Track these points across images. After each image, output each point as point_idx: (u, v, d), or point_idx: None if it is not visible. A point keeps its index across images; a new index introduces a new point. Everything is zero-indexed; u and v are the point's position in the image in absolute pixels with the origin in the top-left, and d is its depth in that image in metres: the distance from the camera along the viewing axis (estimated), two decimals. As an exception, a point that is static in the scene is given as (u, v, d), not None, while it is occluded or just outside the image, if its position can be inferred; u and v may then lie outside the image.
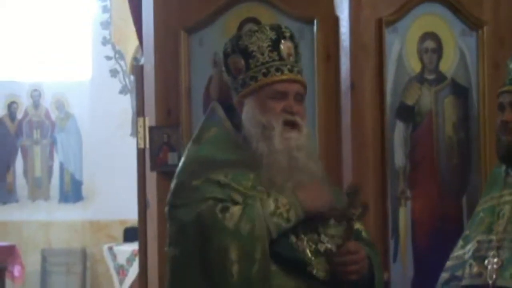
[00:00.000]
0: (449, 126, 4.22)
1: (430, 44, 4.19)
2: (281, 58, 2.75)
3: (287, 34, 2.79)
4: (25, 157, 9.93)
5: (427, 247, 4.09)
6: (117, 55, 9.68)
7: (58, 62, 9.79)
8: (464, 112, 4.26)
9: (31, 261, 9.44)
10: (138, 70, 4.47)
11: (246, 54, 2.75)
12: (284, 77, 2.74)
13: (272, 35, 2.76)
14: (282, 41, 2.76)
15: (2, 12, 9.82)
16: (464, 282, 3.15)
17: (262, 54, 2.74)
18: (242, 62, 2.76)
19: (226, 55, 2.82)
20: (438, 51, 4.20)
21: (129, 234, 8.66)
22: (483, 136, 4.24)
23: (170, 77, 4.21)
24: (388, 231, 3.99)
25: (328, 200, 2.71)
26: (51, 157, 9.89)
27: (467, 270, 3.15)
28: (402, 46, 4.12)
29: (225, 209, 2.62)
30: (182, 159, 2.84)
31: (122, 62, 9.68)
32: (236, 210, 2.61)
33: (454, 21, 4.22)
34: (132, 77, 9.31)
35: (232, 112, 2.84)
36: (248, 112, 2.75)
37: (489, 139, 4.22)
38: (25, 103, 9.93)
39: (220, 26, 4.15)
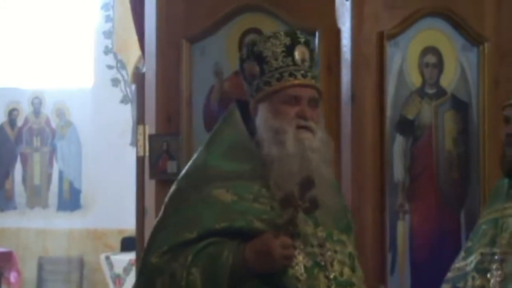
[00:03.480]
0: (448, 141, 4.23)
1: (431, 58, 4.20)
2: (295, 64, 2.74)
3: (302, 40, 2.78)
4: (24, 164, 9.93)
5: (425, 260, 4.09)
6: (118, 65, 9.68)
7: (60, 70, 9.81)
8: (464, 127, 4.26)
9: (27, 269, 9.43)
10: (139, 78, 4.48)
11: (261, 59, 2.75)
12: (297, 81, 2.72)
13: (287, 40, 2.76)
14: (297, 46, 2.76)
15: (5, 19, 9.85)
16: None
17: (276, 59, 2.74)
18: (257, 67, 2.75)
19: (242, 61, 2.82)
20: (439, 65, 4.22)
21: (127, 244, 8.65)
22: (482, 151, 4.25)
23: (171, 85, 4.22)
24: (386, 243, 3.99)
25: (279, 258, 2.56)
26: (50, 164, 9.88)
27: (469, 283, 3.15)
28: (403, 60, 4.13)
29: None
30: (191, 162, 2.82)
31: (123, 72, 9.69)
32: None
33: (455, 36, 4.24)
34: (133, 87, 9.32)
35: (250, 117, 2.81)
36: (262, 116, 2.73)
37: (488, 154, 4.24)
38: (25, 110, 9.94)
39: (223, 36, 4.16)
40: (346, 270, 2.72)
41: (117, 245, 9.17)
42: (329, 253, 2.70)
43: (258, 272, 2.59)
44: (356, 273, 2.76)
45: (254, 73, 2.76)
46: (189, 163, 2.83)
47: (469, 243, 3.33)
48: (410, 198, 4.11)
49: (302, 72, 2.74)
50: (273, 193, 2.66)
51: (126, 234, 8.78)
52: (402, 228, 4.08)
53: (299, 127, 2.70)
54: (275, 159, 2.67)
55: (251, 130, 2.77)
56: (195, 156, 2.83)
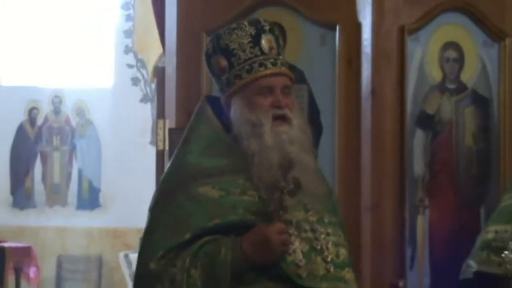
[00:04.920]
0: (469, 136, 4.21)
1: (451, 53, 4.19)
2: (263, 53, 2.70)
3: (267, 28, 2.73)
4: (44, 163, 9.98)
5: (444, 256, 4.08)
6: (138, 64, 9.72)
7: (80, 69, 9.85)
8: (484, 123, 4.25)
9: (46, 267, 9.47)
10: (159, 73, 4.49)
11: (228, 53, 2.71)
12: (268, 71, 2.69)
13: (252, 30, 2.71)
14: (263, 35, 2.71)
15: (27, 18, 9.90)
16: (480, 268, 3.16)
17: (244, 51, 2.69)
18: (225, 61, 2.71)
19: (208, 56, 2.78)
20: (460, 61, 4.20)
21: (146, 242, 8.67)
22: (502, 147, 4.24)
23: (191, 79, 4.23)
24: (405, 238, 3.98)
25: (277, 244, 2.56)
26: (70, 163, 9.93)
27: (483, 257, 3.17)
28: (424, 55, 4.12)
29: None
30: (170, 163, 2.78)
31: (143, 71, 9.73)
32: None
33: (476, 31, 4.23)
34: (153, 86, 9.35)
35: (223, 110, 2.78)
36: (236, 111, 2.69)
37: (508, 150, 4.22)
38: (45, 109, 9.99)
39: (243, 30, 4.16)
40: (342, 251, 2.71)
41: (136, 243, 9.17)
42: (322, 236, 2.68)
43: (257, 264, 2.57)
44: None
45: (223, 67, 2.72)
46: (168, 165, 2.78)
47: (488, 222, 3.36)
48: (430, 193, 4.10)
49: (272, 60, 2.70)
50: (257, 185, 2.63)
51: (145, 233, 8.79)
52: (421, 223, 4.07)
53: (275, 116, 2.66)
54: (255, 152, 2.64)
55: (225, 125, 2.74)
56: (172, 157, 2.79)
